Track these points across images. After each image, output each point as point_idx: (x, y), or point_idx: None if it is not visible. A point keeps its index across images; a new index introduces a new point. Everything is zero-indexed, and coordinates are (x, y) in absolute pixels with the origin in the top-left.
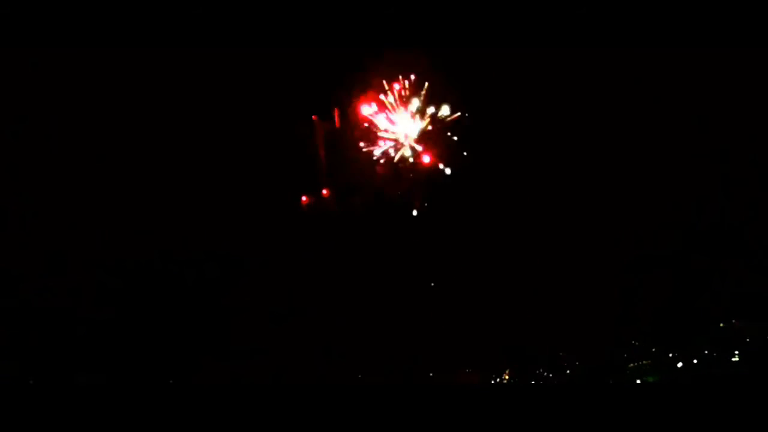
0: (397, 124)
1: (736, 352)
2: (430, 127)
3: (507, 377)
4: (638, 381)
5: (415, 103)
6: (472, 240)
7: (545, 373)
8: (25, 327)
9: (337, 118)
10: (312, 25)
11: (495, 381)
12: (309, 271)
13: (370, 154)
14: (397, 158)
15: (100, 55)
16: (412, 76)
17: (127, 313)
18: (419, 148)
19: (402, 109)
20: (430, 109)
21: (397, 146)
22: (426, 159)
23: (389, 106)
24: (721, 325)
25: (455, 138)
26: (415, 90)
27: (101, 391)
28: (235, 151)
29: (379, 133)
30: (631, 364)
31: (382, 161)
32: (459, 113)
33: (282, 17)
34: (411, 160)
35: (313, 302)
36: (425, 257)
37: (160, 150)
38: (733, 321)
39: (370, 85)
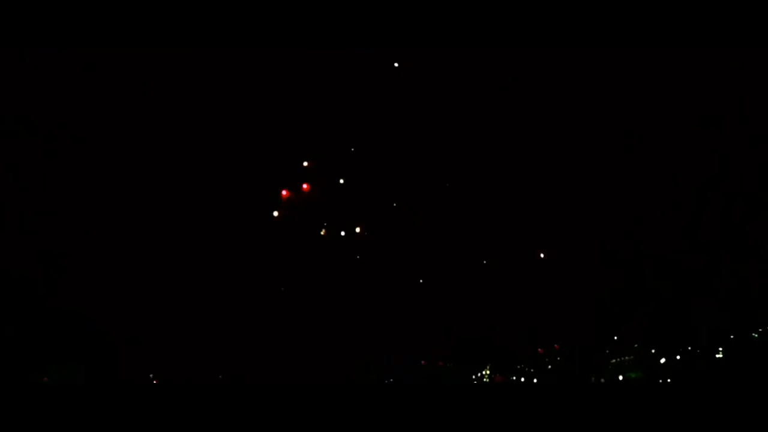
0: None
1: (720, 349)
2: None
3: (488, 372)
4: (620, 377)
5: None
6: (458, 234)
7: (526, 369)
8: (25, 327)
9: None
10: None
11: (476, 376)
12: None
13: None
14: None
15: (111, 56)
16: None
17: (126, 312)
18: None
19: None
20: None
21: None
22: None
23: None
24: (712, 324)
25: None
26: None
27: (98, 391)
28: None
29: None
30: (613, 360)
31: None
32: None
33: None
34: None
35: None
36: (407, 249)
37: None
38: (722, 320)
39: None
